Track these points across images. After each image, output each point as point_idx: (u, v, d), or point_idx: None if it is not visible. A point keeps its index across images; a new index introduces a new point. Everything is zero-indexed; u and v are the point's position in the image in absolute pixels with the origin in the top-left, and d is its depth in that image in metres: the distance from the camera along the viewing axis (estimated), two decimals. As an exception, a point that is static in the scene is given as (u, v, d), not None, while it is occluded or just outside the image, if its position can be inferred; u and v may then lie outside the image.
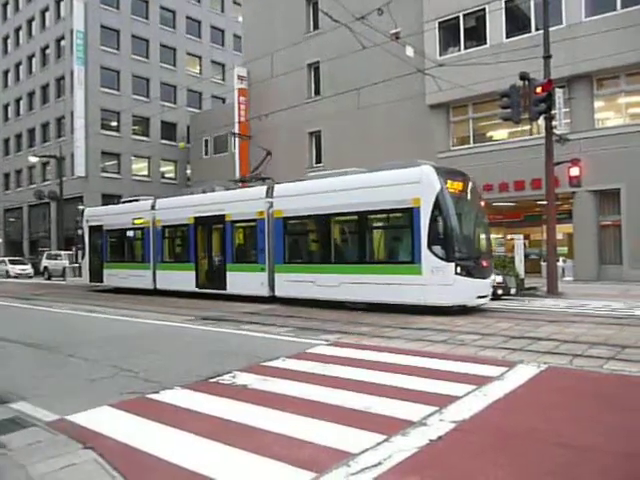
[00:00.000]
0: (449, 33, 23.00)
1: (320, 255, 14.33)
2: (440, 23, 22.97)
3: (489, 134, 22.95)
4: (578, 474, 3.58)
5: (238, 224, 16.22)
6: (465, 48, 22.42)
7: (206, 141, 38.05)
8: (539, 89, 14.28)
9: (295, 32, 28.60)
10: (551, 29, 15.36)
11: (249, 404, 5.15)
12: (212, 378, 6.20)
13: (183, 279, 17.58)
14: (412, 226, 12.14)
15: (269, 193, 15.28)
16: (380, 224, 13.49)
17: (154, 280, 18.90)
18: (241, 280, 15.75)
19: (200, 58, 48.59)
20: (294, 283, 14.39)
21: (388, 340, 8.89)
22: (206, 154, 38.27)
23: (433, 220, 11.84)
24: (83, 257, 22.71)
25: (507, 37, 21.00)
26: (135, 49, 44.09)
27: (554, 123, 15.36)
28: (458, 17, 22.50)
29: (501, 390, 5.44)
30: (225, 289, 16.25)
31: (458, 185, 12.30)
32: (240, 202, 16.08)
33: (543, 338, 8.55)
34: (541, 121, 15.60)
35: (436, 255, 11.75)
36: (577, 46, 17.90)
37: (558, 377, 6.19)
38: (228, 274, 16.21)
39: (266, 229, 15.12)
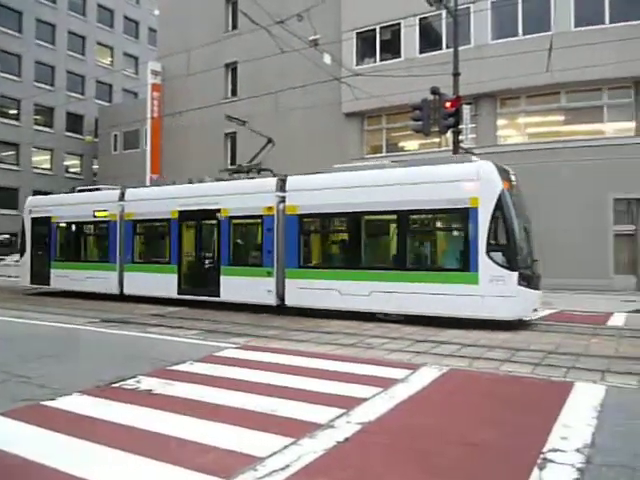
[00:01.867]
0: (366, 44, 23.59)
1: (347, 259, 12.51)
2: (358, 34, 23.51)
3: (401, 144, 23.76)
4: (475, 469, 3.77)
5: (238, 220, 14.03)
6: (381, 60, 23.08)
7: (115, 136, 36.41)
8: (448, 104, 14.97)
9: (213, 30, 28.12)
10: (461, 48, 16.17)
11: (154, 409, 4.96)
12: (115, 383, 5.91)
13: (161, 283, 14.89)
14: (467, 229, 10.83)
15: (280, 186, 13.31)
16: (425, 226, 12.07)
17: (120, 283, 16.07)
18: (240, 286, 13.43)
19: (112, 49, 46.49)
20: (311, 291, 12.36)
21: (298, 343, 8.93)
22: (115, 149, 36.62)
23: (493, 223, 10.61)
24: (23, 255, 18.88)
25: (420, 52, 21.87)
26: (40, 34, 41.38)
27: (461, 137, 16.16)
28: (375, 29, 23.15)
29: (406, 392, 5.62)
30: (218, 296, 13.88)
31: (512, 183, 11.15)
32: (242, 195, 13.80)
33: (446, 342, 8.95)
34: (449, 135, 16.35)
35: (496, 263, 10.46)
36: (484, 66, 18.96)
37: (458, 379, 6.50)
38: (223, 279, 13.87)
39: (275, 227, 13.12)
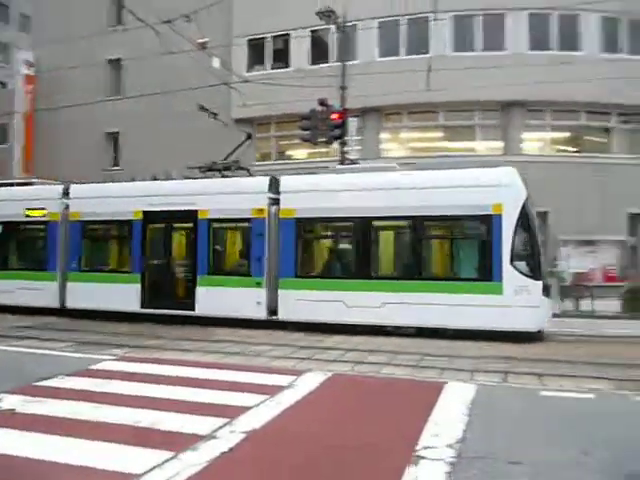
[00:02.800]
0: (257, 51, 23.61)
1: (354, 268, 11.52)
2: (249, 40, 23.49)
3: (290, 153, 24.02)
4: (354, 471, 3.89)
5: (220, 224, 12.54)
6: (271, 68, 23.22)
7: (-22, 129, 33.13)
8: (335, 116, 15.43)
9: (96, 23, 26.55)
10: (348, 63, 16.76)
11: (17, 431, 4.55)
12: (-29, 402, 5.35)
13: (118, 295, 12.70)
14: (491, 237, 10.38)
15: (273, 187, 12.13)
16: (445, 233, 11.54)
17: (62, 295, 13.51)
18: (221, 298, 11.87)
19: (-24, 34, 42.40)
20: (310, 303, 11.20)
21: (183, 353, 8.67)
22: (-23, 144, 33.29)
23: (517, 231, 10.24)
24: None
25: (310, 64, 22.34)
26: None
27: (347, 148, 16.70)
28: (266, 38, 23.28)
29: (291, 398, 5.66)
30: (193, 309, 12.17)
31: (528, 192, 10.70)
32: (226, 195, 12.31)
33: (330, 347, 9.15)
34: (336, 145, 16.82)
35: (521, 272, 10.13)
36: (370, 82, 19.71)
37: (341, 383, 6.67)
38: (199, 290, 12.21)
39: (267, 232, 11.87)
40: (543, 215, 19.78)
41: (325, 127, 15.42)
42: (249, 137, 14.60)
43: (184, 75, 22.98)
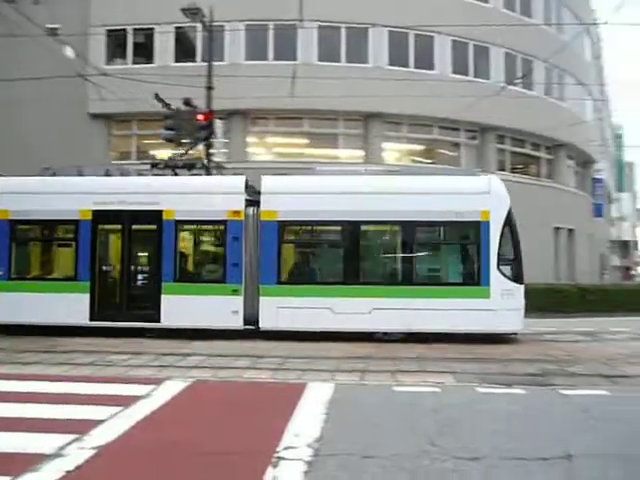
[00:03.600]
0: (117, 43, 22.35)
1: (342, 273, 11.16)
2: (108, 31, 22.15)
3: (153, 152, 23.04)
4: (212, 476, 3.79)
5: (189, 226, 11.53)
6: (133, 63, 22.13)
7: None
8: (201, 117, 15.10)
9: None
10: (215, 63, 16.50)
11: None
12: None
13: (60, 307, 10.98)
14: (478, 242, 10.74)
15: (250, 187, 11.54)
16: (434, 238, 11.57)
17: None
18: (191, 307, 10.82)
19: None
20: (295, 310, 10.61)
21: (24, 366, 7.88)
22: None
23: (503, 237, 10.63)
24: None
25: (175, 61, 21.64)
26: None
27: (213, 150, 16.42)
28: (127, 30, 22.12)
29: (148, 408, 5.41)
30: (158, 320, 10.99)
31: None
32: (195, 195, 11.35)
33: (191, 353, 8.90)
34: (202, 147, 16.47)
35: (506, 276, 10.57)
36: (237, 84, 19.59)
37: (202, 390, 6.52)
38: (165, 298, 11.02)
39: (244, 235, 11.05)
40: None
41: (190, 128, 15.02)
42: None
43: (31, 62, 21.07)
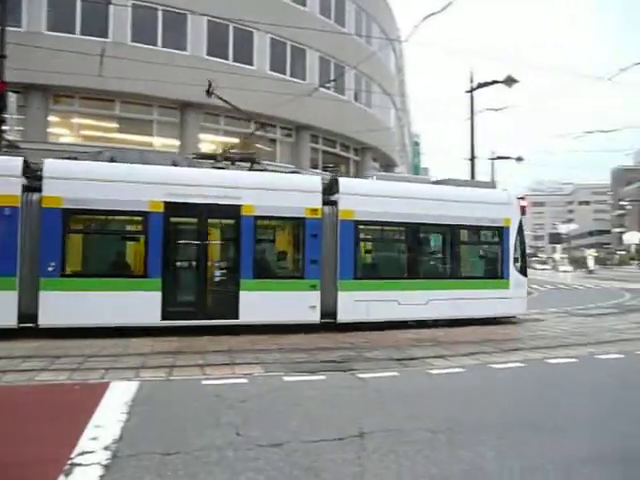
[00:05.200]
0: None
1: (406, 270, 12.54)
2: None
3: None
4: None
5: (268, 222, 11.49)
6: None
7: None
8: (-10, 87, 13.25)
9: None
10: (11, 29, 14.58)
11: None
12: None
13: (127, 306, 9.92)
14: (502, 244, 13.18)
15: (331, 187, 11.85)
16: (471, 239, 13.58)
17: (27, 309, 9.64)
18: (270, 303, 10.77)
19: None
20: (368, 303, 11.48)
21: None
22: None
23: (517, 239, 13.34)
24: None
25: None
26: None
27: (5, 127, 14.54)
28: None
29: None
30: (236, 317, 10.68)
31: None
32: (276, 192, 11.18)
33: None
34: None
35: (518, 271, 13.33)
36: (37, 56, 17.59)
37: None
38: (243, 295, 10.72)
39: (322, 233, 11.36)
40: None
41: (-24, 99, 13.11)
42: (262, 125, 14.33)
43: None
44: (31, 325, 9.70)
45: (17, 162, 10.00)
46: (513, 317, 13.62)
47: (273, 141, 24.01)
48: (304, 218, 11.38)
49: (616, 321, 13.94)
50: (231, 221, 11.13)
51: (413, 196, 12.49)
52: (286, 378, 6.78)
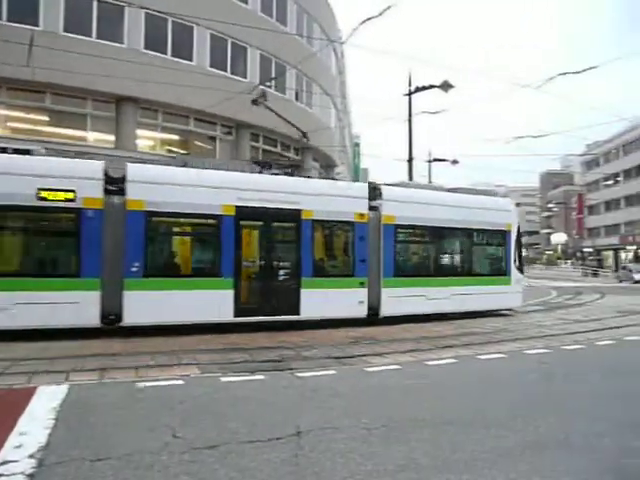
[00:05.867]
0: None
1: (432, 268, 14.07)
2: None
3: None
4: None
5: (323, 225, 12.46)
6: None
7: None
8: None
9: None
10: None
11: None
12: None
13: (201, 304, 10.66)
14: (505, 245, 15.28)
15: (375, 194, 13.04)
16: (483, 241, 15.25)
17: (109, 307, 10.01)
18: (325, 300, 11.86)
19: None
20: (403, 299, 13.01)
21: None
22: None
23: (516, 242, 15.53)
24: None
25: None
26: None
27: None
28: None
29: None
30: (298, 313, 11.71)
31: None
32: (329, 197, 12.27)
33: None
34: None
35: (517, 269, 15.61)
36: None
37: None
38: (304, 292, 11.75)
39: (369, 235, 12.69)
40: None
41: None
42: (304, 135, 15.40)
43: None
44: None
45: (99, 165, 10.38)
46: (511, 310, 15.80)
47: (213, 139, 23.68)
48: (353, 222, 12.58)
49: (543, 317, 14.66)
50: (292, 224, 11.96)
51: (439, 203, 14.15)
52: (224, 379, 6.70)
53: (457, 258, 14.90)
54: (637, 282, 41.60)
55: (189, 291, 10.69)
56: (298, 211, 11.86)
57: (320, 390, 6.24)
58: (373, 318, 12.56)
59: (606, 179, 67.61)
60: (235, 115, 22.67)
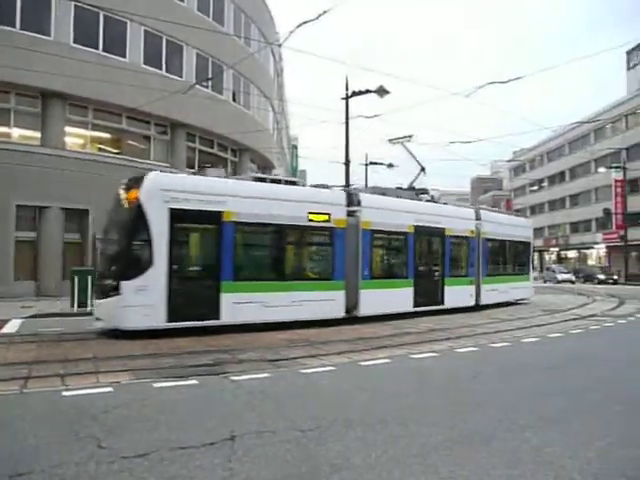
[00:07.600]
0: None
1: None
2: None
3: None
4: None
5: (454, 239, 16.88)
6: None
7: None
8: None
9: None
10: None
11: None
12: None
13: (396, 298, 14.78)
14: (527, 253, 21.68)
15: (478, 215, 18.23)
16: (516, 249, 20.73)
17: (350, 302, 13.49)
18: (454, 293, 16.52)
19: None
20: (493, 292, 18.37)
21: None
22: None
23: (531, 250, 22.14)
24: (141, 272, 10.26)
25: None
26: None
27: None
28: None
29: None
30: (443, 304, 16.17)
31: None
32: (456, 219, 17.11)
33: None
34: None
35: (531, 269, 22.04)
36: None
37: None
38: (446, 288, 16.28)
39: (475, 246, 17.65)
40: (83, 213, 19.67)
41: None
42: (423, 170, 17.77)
43: None
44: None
45: (343, 194, 13.84)
46: (527, 299, 21.27)
47: (147, 138, 23.06)
48: (467, 237, 17.55)
49: (472, 317, 15.20)
50: (439, 238, 16.37)
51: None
52: (156, 384, 6.51)
53: (499, 261, 19.91)
54: (560, 282, 43.97)
55: (393, 289, 14.71)
56: (443, 229, 16.54)
57: (255, 393, 6.19)
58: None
59: (532, 185, 71.05)
60: (170, 114, 22.22)
